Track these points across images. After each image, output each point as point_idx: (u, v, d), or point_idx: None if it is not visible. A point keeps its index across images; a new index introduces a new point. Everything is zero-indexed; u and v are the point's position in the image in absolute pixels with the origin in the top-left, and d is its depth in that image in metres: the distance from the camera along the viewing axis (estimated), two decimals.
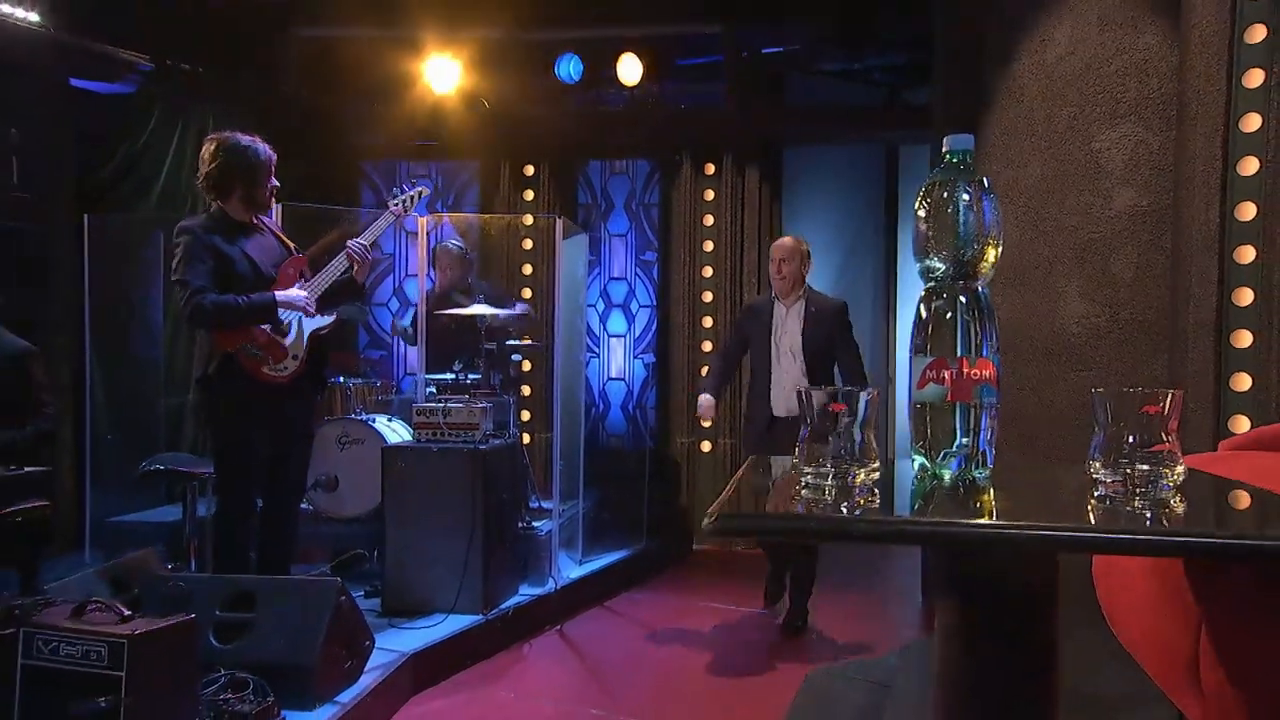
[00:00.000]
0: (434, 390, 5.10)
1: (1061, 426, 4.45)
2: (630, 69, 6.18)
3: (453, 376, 5.11)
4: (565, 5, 6.31)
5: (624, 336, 7.07)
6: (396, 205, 4.26)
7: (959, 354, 1.12)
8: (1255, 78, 3.88)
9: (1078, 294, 4.52)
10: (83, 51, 5.27)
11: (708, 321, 6.50)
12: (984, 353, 1.14)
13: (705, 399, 4.82)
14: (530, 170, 6.76)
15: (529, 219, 6.64)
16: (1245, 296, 3.93)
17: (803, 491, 1.05)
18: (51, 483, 3.45)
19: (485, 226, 6.52)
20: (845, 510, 1.00)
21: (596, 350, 6.94)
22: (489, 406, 4.75)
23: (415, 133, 6.68)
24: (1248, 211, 3.94)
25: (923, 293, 1.20)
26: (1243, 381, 3.94)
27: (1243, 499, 1.16)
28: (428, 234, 5.72)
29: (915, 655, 3.80)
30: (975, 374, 1.11)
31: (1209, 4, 3.93)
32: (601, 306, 7.01)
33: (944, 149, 1.21)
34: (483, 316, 5.13)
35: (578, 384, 6.09)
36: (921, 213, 1.18)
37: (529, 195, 6.74)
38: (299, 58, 6.34)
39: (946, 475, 1.13)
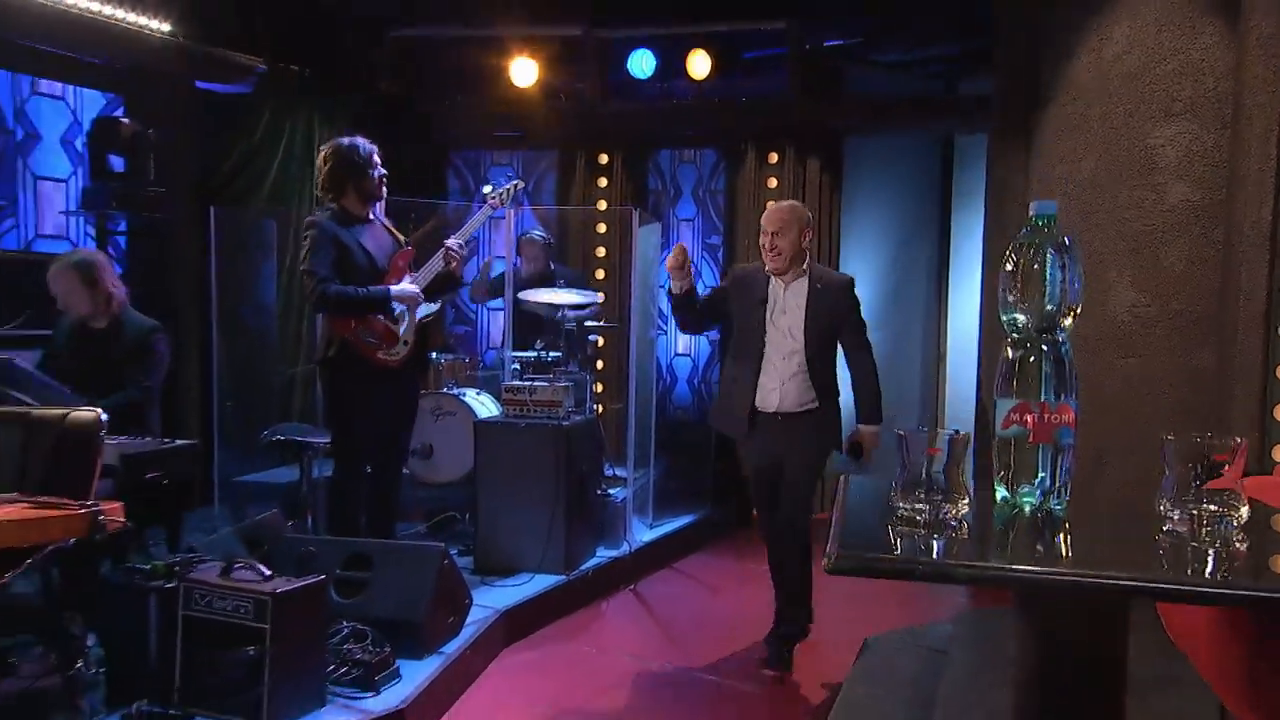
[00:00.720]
0: (518, 367, 5.21)
1: (1110, 413, 4.42)
2: (699, 64, 6.14)
3: (535, 354, 5.23)
4: (639, 4, 6.30)
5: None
6: (494, 199, 4.35)
7: (1041, 399, 1.18)
8: None
9: (1129, 284, 4.47)
10: (206, 57, 5.40)
11: None
12: (1064, 399, 1.19)
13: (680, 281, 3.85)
14: (604, 159, 6.74)
15: (603, 204, 6.64)
16: None
17: (899, 526, 1.13)
18: (196, 453, 3.65)
19: (564, 216, 6.56)
20: (942, 549, 1.08)
21: (664, 328, 6.90)
22: (570, 385, 4.86)
23: (499, 125, 6.73)
24: None
25: (1009, 340, 1.26)
26: None
27: None
28: (513, 223, 5.84)
29: (969, 624, 3.86)
30: (1056, 418, 1.18)
31: (1267, 7, 3.85)
32: (668, 283, 6.93)
33: (1030, 213, 1.26)
34: (568, 304, 5.25)
35: (649, 361, 6.16)
36: (1009, 267, 1.24)
37: (603, 182, 6.73)
38: (393, 57, 6.39)
39: (1027, 507, 1.20)
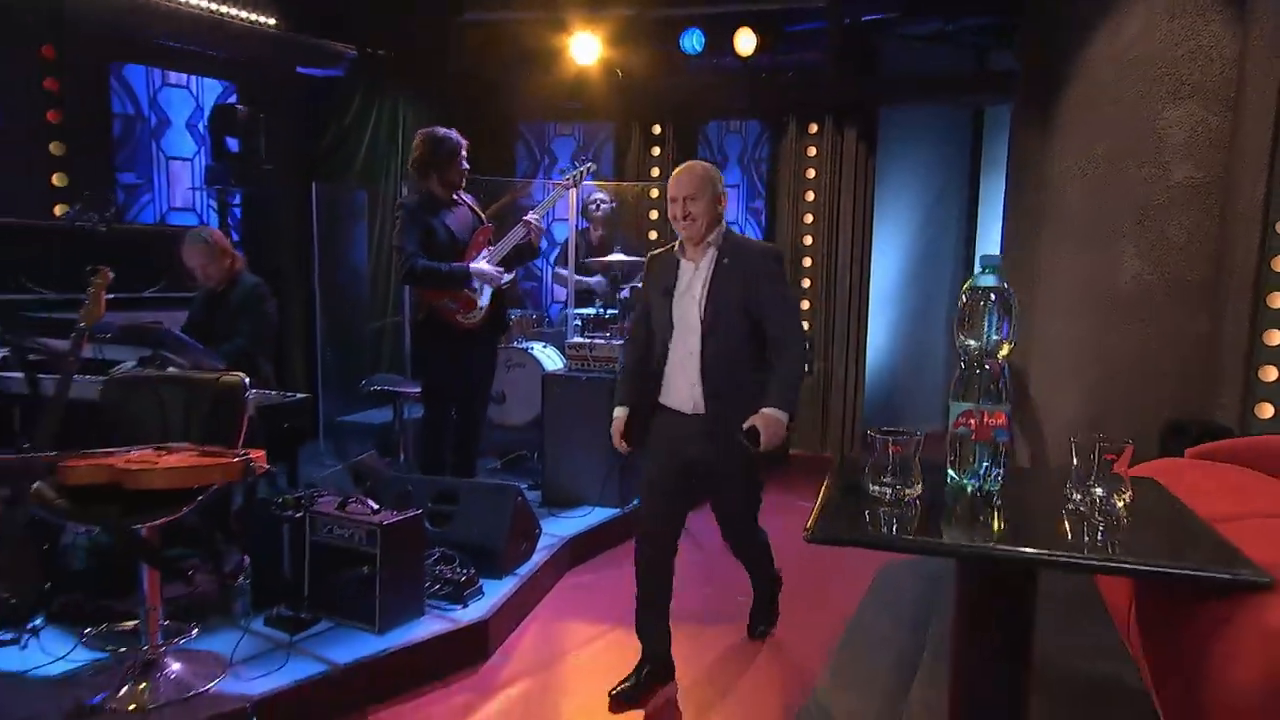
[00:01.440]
0: (580, 324, 5.45)
1: (1114, 371, 4.57)
2: (746, 41, 6.09)
3: (594, 312, 5.46)
4: None
5: None
6: (567, 180, 4.57)
7: (981, 406, 1.45)
8: None
9: (1135, 254, 4.57)
10: (305, 45, 5.66)
11: (807, 261, 6.51)
12: (999, 405, 1.46)
13: (616, 416, 3.04)
14: (657, 129, 6.80)
15: (656, 170, 6.70)
16: None
17: (868, 503, 1.42)
18: (308, 402, 4.02)
19: (621, 191, 6.65)
20: (895, 526, 1.36)
21: None
22: (625, 341, 5.14)
23: (561, 98, 6.77)
24: None
25: (961, 359, 1.52)
26: (1274, 338, 4.05)
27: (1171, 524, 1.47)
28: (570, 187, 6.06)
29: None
30: (992, 421, 1.44)
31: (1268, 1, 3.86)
32: None
33: (979, 261, 1.51)
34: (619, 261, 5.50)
35: None
36: (961, 304, 1.50)
37: (656, 151, 6.80)
38: (466, 39, 6.47)
39: (969, 487, 1.47)
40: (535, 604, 3.80)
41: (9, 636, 2.90)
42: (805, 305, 6.45)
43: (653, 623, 3.08)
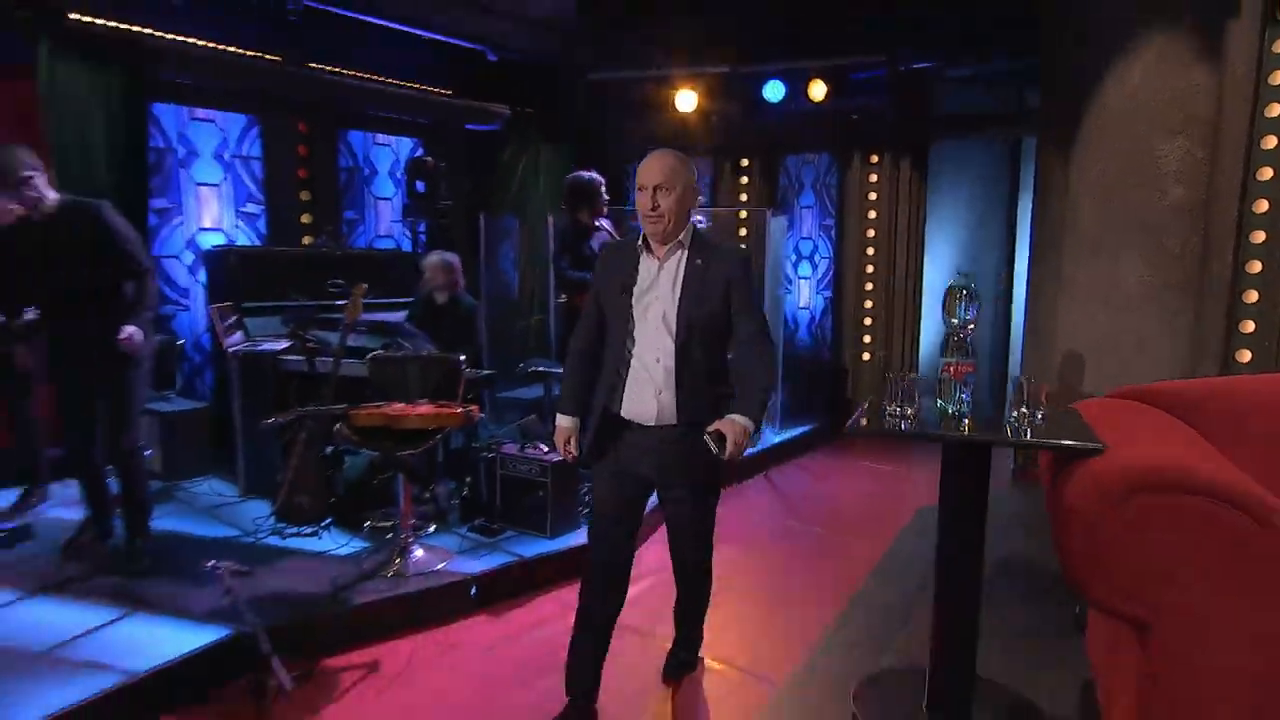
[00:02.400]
0: None
1: (1121, 353, 4.97)
2: (817, 90, 6.47)
3: None
4: (771, 47, 6.63)
5: (810, 278, 7.52)
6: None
7: (954, 360, 2.15)
8: (1274, 110, 4.27)
9: (1139, 260, 4.99)
10: (472, 108, 6.54)
11: (869, 269, 6.87)
12: (969, 359, 2.16)
13: (562, 425, 2.56)
14: (745, 163, 7.29)
15: (744, 195, 7.26)
16: (1255, 267, 4.46)
17: (888, 417, 2.13)
18: (493, 378, 4.88)
19: (716, 214, 7.11)
20: (904, 426, 2.08)
21: (791, 288, 7.42)
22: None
23: (666, 139, 6.98)
24: (1261, 207, 4.43)
25: (946, 329, 2.22)
26: (1247, 326, 4.49)
27: (1069, 429, 2.13)
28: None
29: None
30: (963, 369, 2.14)
31: (1241, 54, 4.34)
32: (794, 257, 7.45)
33: (954, 273, 2.22)
34: None
35: (777, 313, 6.83)
36: (945, 295, 2.20)
37: (744, 180, 7.24)
38: (591, 95, 7.09)
39: (949, 409, 2.18)
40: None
41: (310, 531, 3.88)
42: (868, 305, 6.96)
43: (589, 661, 2.53)
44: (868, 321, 7.02)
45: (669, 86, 6.90)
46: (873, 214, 6.93)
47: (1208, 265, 4.59)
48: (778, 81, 6.67)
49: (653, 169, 2.39)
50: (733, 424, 2.24)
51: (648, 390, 2.39)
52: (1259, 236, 4.42)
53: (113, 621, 3.04)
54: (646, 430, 2.41)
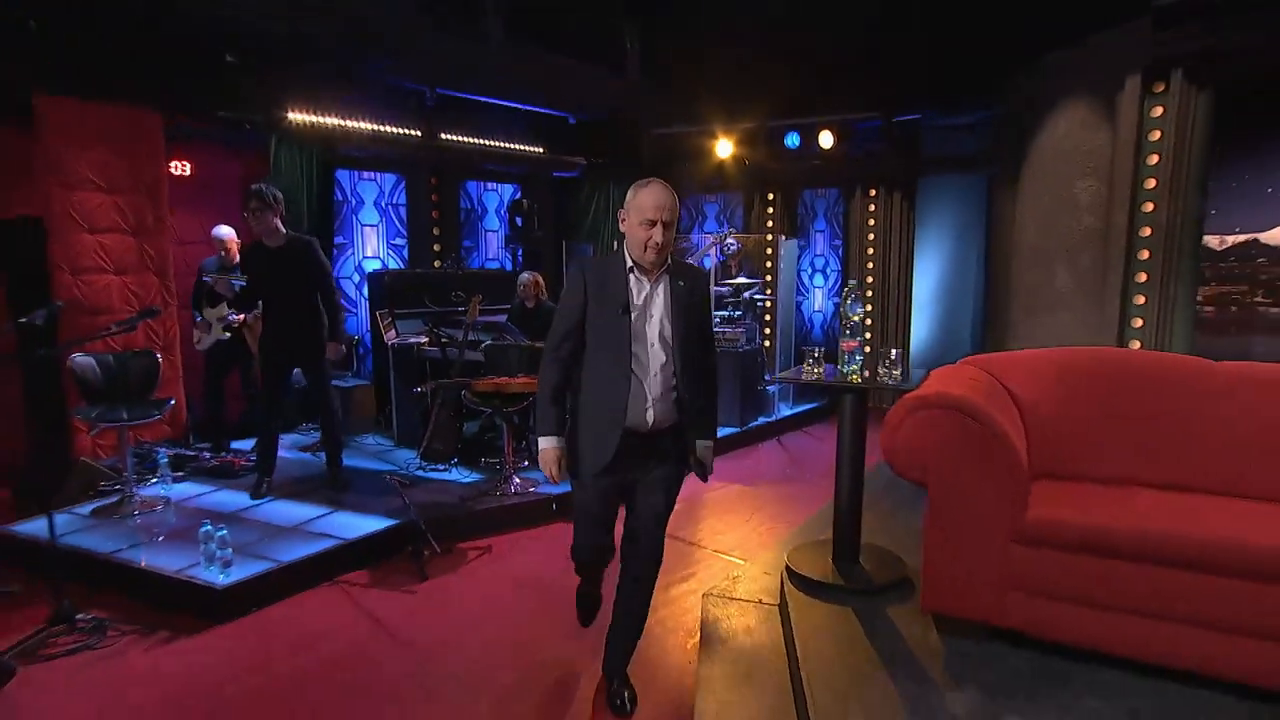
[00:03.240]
0: (719, 319, 6.80)
1: (1053, 341, 5.56)
2: (826, 139, 7.15)
3: (727, 313, 6.90)
4: (790, 107, 7.28)
5: (823, 288, 8.18)
6: (715, 238, 6.23)
7: (849, 338, 3.08)
8: (1152, 159, 4.95)
9: (1065, 273, 5.70)
10: (557, 160, 7.46)
11: (870, 279, 7.48)
12: (855, 338, 3.08)
13: (550, 448, 2.41)
14: (770, 196, 7.93)
15: (770, 223, 7.97)
16: (1141, 277, 5.16)
17: (804, 374, 3.09)
18: None
19: (746, 240, 7.66)
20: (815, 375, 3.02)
21: (806, 295, 8.13)
22: (743, 330, 6.69)
23: (708, 178, 8.02)
24: (1145, 232, 5.11)
25: (843, 317, 3.16)
26: (1136, 322, 5.22)
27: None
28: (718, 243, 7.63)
29: None
30: (853, 345, 3.06)
31: (1128, 118, 5.01)
32: (810, 271, 8.21)
33: (850, 282, 3.15)
34: (744, 284, 7.00)
35: (792, 314, 7.65)
36: (843, 293, 3.14)
37: (770, 210, 7.90)
38: (650, 145, 7.90)
39: (843, 370, 3.10)
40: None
41: (443, 468, 5.03)
42: (869, 308, 7.67)
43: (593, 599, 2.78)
44: (868, 321, 7.73)
45: (711, 137, 7.69)
46: (872, 236, 7.58)
47: (1108, 276, 5.28)
48: (794, 133, 7.40)
49: (663, 203, 2.30)
50: (708, 450, 2.53)
51: (644, 402, 2.34)
52: (1144, 254, 5.11)
53: (327, 514, 4.25)
54: (641, 437, 2.36)
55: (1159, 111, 4.91)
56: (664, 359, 2.38)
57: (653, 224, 2.30)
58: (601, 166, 7.84)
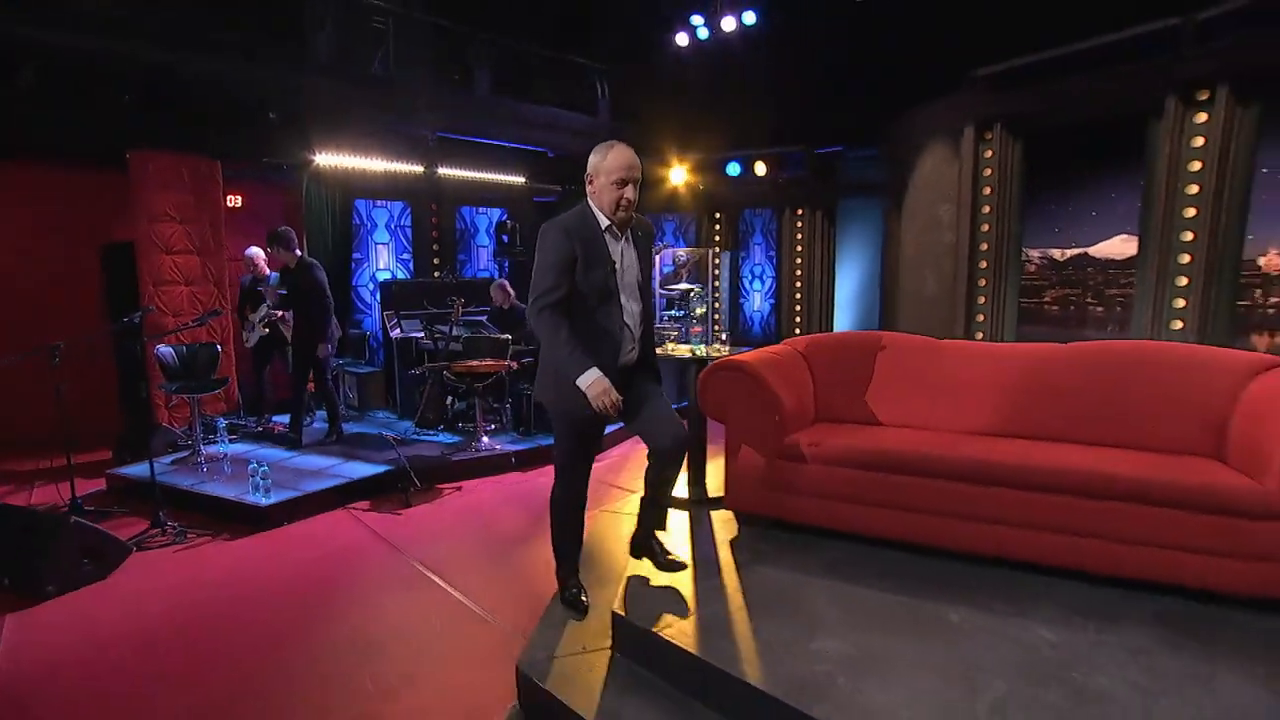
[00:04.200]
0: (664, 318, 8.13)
1: (919, 327, 6.58)
2: (761, 168, 8.18)
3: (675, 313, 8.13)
4: (731, 142, 8.31)
5: (761, 291, 9.02)
6: (660, 248, 7.30)
7: (695, 326, 4.17)
8: (986, 190, 5.97)
9: (931, 278, 6.74)
10: (538, 187, 8.52)
11: (799, 285, 8.42)
12: (699, 324, 4.18)
13: (600, 379, 2.34)
14: (717, 215, 8.89)
15: (717, 238, 9.07)
16: (982, 282, 6.13)
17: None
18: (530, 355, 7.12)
19: (695, 252, 9.12)
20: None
21: (747, 298, 9.06)
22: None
23: (666, 202, 8.91)
24: (983, 245, 6.08)
25: (691, 313, 4.25)
26: (980, 317, 6.20)
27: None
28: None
29: None
30: (698, 329, 4.15)
31: (969, 159, 6.05)
32: (750, 278, 9.09)
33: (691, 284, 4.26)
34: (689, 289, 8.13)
35: (737, 316, 8.74)
36: (682, 295, 4.23)
37: (717, 227, 8.91)
38: None
39: (692, 349, 4.20)
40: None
41: (432, 434, 6.19)
42: (798, 309, 8.70)
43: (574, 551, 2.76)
44: (798, 320, 8.74)
45: (668, 166, 8.78)
46: (799, 249, 8.59)
47: (958, 282, 6.31)
48: (735, 163, 8.44)
49: (632, 163, 2.34)
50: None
51: (631, 345, 2.48)
52: (983, 264, 6.13)
53: (341, 463, 5.41)
54: (625, 371, 2.48)
55: (989, 154, 5.93)
56: (638, 306, 2.51)
57: (624, 183, 2.34)
58: (574, 193, 8.90)
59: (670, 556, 2.80)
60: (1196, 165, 4.77)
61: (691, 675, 2.26)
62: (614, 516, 4.09)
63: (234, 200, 7.07)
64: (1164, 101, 4.82)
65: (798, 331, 8.74)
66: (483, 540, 4.26)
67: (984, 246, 6.08)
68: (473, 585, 3.61)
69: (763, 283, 9.19)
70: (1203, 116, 4.70)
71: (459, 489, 5.26)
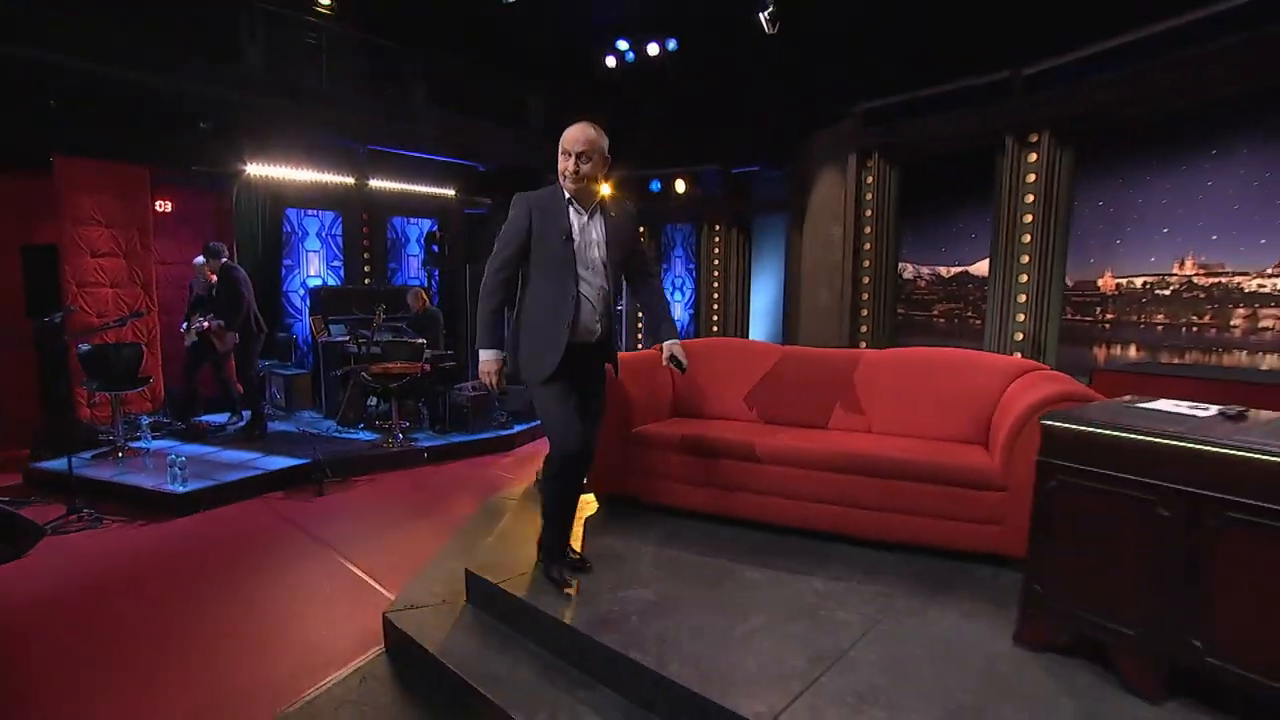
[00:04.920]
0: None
1: (815, 336, 7.29)
2: (680, 185, 8.74)
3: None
4: (653, 160, 8.80)
5: (680, 302, 9.54)
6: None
7: None
8: (868, 211, 6.62)
9: (824, 291, 7.38)
10: (468, 200, 8.94)
11: (716, 295, 9.01)
12: None
13: (490, 359, 2.58)
14: (642, 229, 9.51)
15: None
16: (865, 295, 6.77)
17: None
18: (458, 356, 7.56)
19: None
20: None
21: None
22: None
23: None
24: (865, 262, 6.72)
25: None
26: (864, 328, 6.83)
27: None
28: None
29: None
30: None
31: (852, 184, 6.70)
32: (670, 288, 9.60)
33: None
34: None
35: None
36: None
37: (641, 240, 9.75)
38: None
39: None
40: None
41: (353, 431, 6.57)
42: (715, 317, 9.32)
43: (562, 533, 2.80)
44: (715, 329, 9.31)
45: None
46: (717, 261, 9.20)
47: (845, 294, 6.96)
48: (657, 181, 9.03)
49: (576, 138, 2.49)
50: (677, 345, 2.73)
51: (592, 318, 2.55)
52: (866, 279, 6.79)
53: (261, 458, 5.75)
54: (589, 346, 2.58)
55: (870, 179, 6.60)
56: (602, 282, 2.57)
57: (566, 154, 2.50)
58: (504, 205, 9.31)
59: (574, 557, 2.88)
60: (1030, 197, 5.48)
61: (520, 616, 2.73)
62: (500, 500, 4.54)
63: (163, 205, 7.34)
64: (1004, 140, 5.53)
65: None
66: (382, 522, 4.67)
67: (866, 264, 6.74)
68: (365, 557, 4.03)
69: (683, 294, 9.76)
70: (1034, 156, 5.41)
71: (372, 480, 5.65)
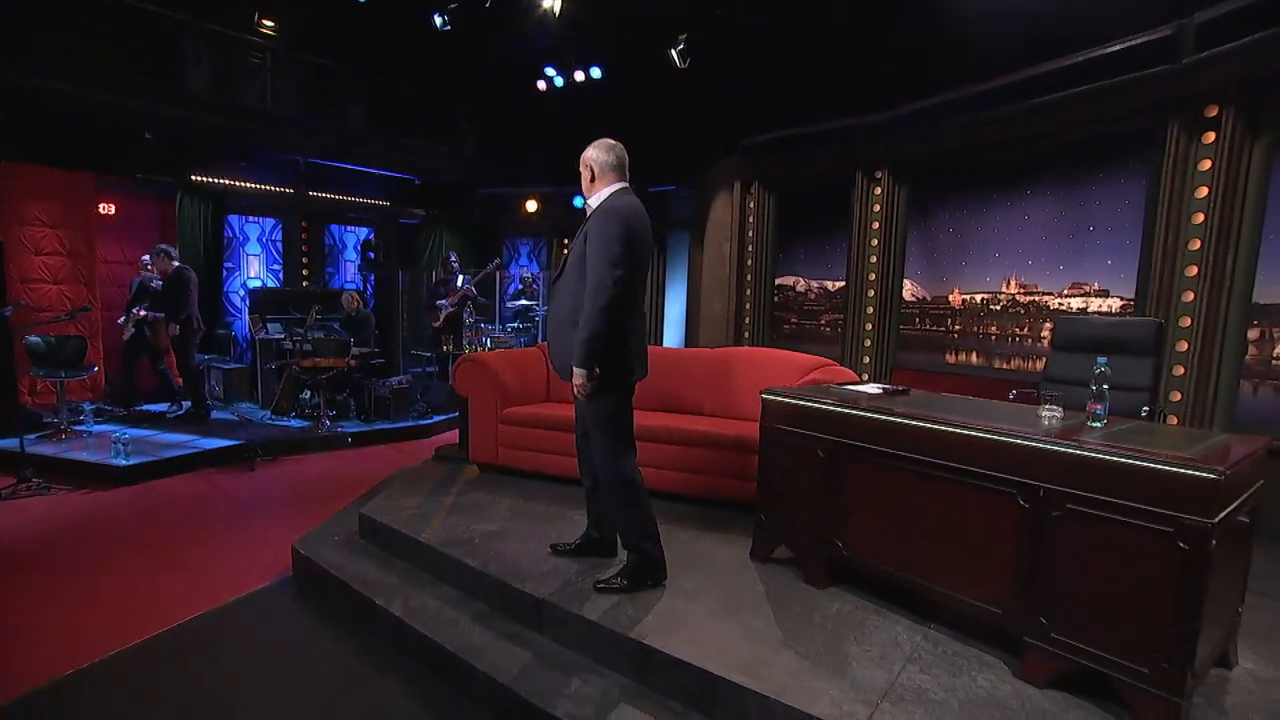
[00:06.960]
0: (512, 330, 9.57)
1: (710, 340, 8.27)
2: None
3: (517, 324, 9.56)
4: (577, 179, 10.03)
5: None
6: (490, 268, 8.73)
7: (469, 332, 5.56)
8: (750, 232, 7.61)
9: (718, 302, 8.35)
10: (402, 211, 9.69)
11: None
12: (471, 331, 5.57)
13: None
14: (566, 241, 10.32)
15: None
16: (747, 305, 7.75)
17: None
18: (383, 355, 8.36)
19: (537, 276, 10.65)
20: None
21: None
22: (525, 339, 9.23)
23: (521, 226, 10.38)
24: (748, 277, 7.70)
25: (471, 326, 5.64)
26: (745, 333, 7.83)
27: None
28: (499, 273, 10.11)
29: None
30: (468, 336, 5.56)
31: (737, 208, 7.70)
32: None
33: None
34: (529, 305, 9.56)
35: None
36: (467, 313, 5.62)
37: (565, 251, 10.44)
38: (481, 202, 10.23)
39: (468, 347, 5.59)
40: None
41: (285, 419, 7.35)
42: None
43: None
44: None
45: (524, 197, 10.17)
46: None
47: (735, 305, 7.99)
48: (580, 196, 9.93)
49: (581, 156, 2.64)
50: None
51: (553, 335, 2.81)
52: (748, 291, 7.83)
53: (198, 439, 6.50)
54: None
55: (752, 204, 7.65)
56: (570, 296, 2.74)
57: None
58: (437, 216, 10.23)
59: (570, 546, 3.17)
60: (876, 225, 6.60)
61: (396, 544, 3.65)
62: (403, 472, 5.43)
63: (107, 208, 8.02)
64: (855, 176, 6.64)
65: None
66: (304, 492, 5.50)
67: (749, 278, 7.78)
68: (284, 517, 4.87)
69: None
70: (879, 190, 6.53)
71: (300, 461, 6.46)
